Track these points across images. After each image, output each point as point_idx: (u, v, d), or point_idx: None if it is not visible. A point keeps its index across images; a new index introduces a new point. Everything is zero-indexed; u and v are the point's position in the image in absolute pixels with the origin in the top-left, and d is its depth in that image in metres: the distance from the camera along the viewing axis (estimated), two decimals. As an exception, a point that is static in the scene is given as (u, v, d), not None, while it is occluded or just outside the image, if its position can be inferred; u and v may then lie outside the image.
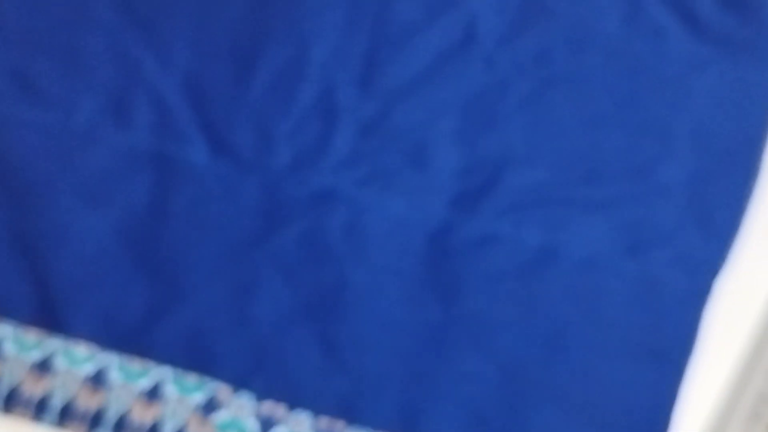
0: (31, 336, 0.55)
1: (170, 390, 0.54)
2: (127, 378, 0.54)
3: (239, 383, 0.54)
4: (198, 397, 0.54)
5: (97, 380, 0.54)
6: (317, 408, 0.54)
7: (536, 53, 0.59)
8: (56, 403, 0.54)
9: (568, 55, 0.59)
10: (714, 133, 0.58)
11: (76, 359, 0.54)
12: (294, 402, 0.54)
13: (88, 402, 0.54)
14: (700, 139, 0.58)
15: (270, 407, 0.54)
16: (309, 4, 0.60)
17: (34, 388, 0.54)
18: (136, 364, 0.54)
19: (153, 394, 0.54)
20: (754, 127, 0.58)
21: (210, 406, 0.53)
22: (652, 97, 0.58)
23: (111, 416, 0.54)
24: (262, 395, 0.54)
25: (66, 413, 0.54)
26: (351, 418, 0.54)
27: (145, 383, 0.54)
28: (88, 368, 0.54)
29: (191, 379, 0.54)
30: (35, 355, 0.55)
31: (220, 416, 0.53)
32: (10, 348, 0.55)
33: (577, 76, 0.59)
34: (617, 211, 0.56)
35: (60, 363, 0.54)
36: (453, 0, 0.60)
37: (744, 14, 0.59)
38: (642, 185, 0.57)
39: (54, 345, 0.55)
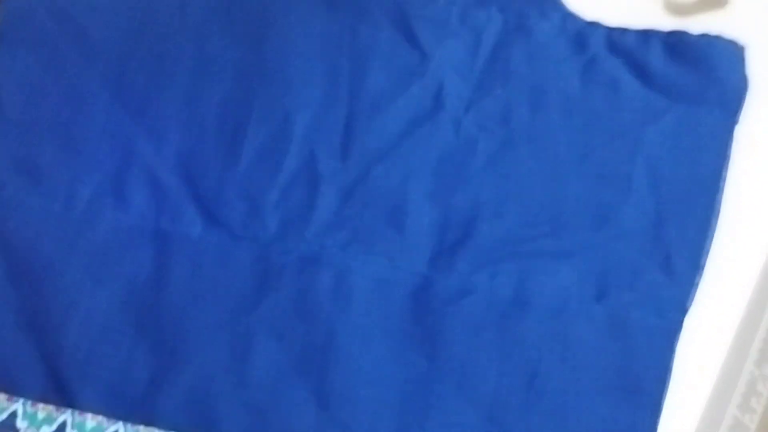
0: (42, 411, 0.58)
1: None
2: None
3: (240, 442, 0.57)
4: None
5: (107, 449, 0.57)
6: (314, 462, 0.57)
7: (499, 114, 0.63)
8: None
9: (529, 114, 0.63)
10: (671, 177, 0.61)
11: (85, 430, 0.57)
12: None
13: None
14: (658, 183, 0.61)
15: (270, 464, 0.57)
16: (289, 82, 0.64)
17: None
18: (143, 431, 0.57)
19: None
20: (710, 169, 0.61)
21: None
22: (610, 147, 0.62)
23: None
24: (262, 453, 0.57)
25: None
26: (348, 470, 0.56)
27: None
28: (98, 438, 0.57)
29: (195, 441, 0.57)
30: (46, 430, 0.58)
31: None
32: (22, 424, 0.58)
33: (538, 132, 0.63)
34: (582, 258, 0.60)
35: (71, 435, 0.57)
36: (421, 69, 0.64)
37: (692, 65, 0.63)
38: (605, 232, 0.60)
39: (63, 418, 0.58)
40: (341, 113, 0.63)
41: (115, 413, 0.58)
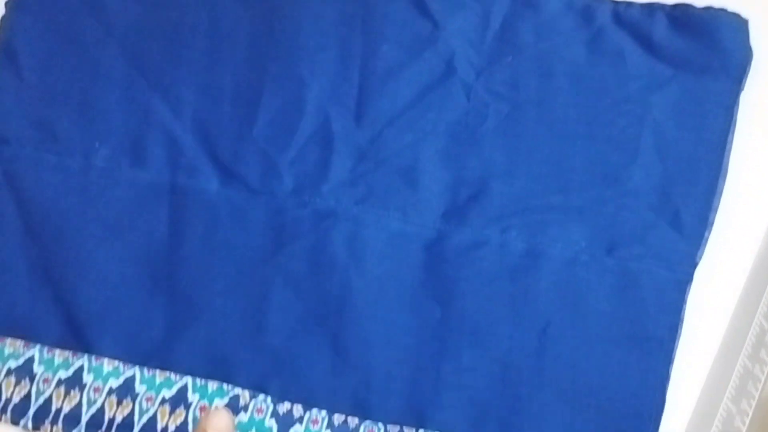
0: (59, 357, 0.58)
1: (192, 397, 0.57)
2: (151, 388, 0.57)
3: (257, 388, 0.57)
4: (219, 403, 0.57)
5: (123, 392, 0.57)
6: (331, 406, 0.57)
7: (509, 80, 0.65)
8: (84, 415, 0.57)
9: (538, 81, 0.64)
10: (678, 140, 0.62)
11: (102, 374, 0.58)
12: (309, 402, 0.57)
13: (113, 413, 0.57)
14: (665, 145, 0.62)
15: (287, 408, 0.57)
16: (303, 49, 0.65)
17: (62, 403, 0.57)
18: (159, 376, 0.58)
19: (176, 402, 0.57)
20: (716, 132, 0.62)
21: (231, 410, 0.56)
22: (617, 112, 0.63)
23: (136, 424, 0.56)
24: (279, 397, 0.57)
25: (92, 424, 0.57)
26: (363, 414, 0.57)
27: (168, 393, 0.57)
28: (113, 383, 0.58)
29: (212, 386, 0.57)
30: (63, 374, 0.58)
31: (241, 418, 0.56)
32: (38, 369, 0.58)
33: (547, 98, 0.64)
34: (593, 213, 0.61)
35: (87, 378, 0.58)
36: (433, 38, 0.66)
37: (696, 37, 0.64)
38: (614, 190, 0.61)
39: (80, 363, 0.58)
40: (355, 78, 0.65)
41: (132, 360, 0.58)
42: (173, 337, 0.58)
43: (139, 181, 0.63)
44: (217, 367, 0.58)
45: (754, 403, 0.57)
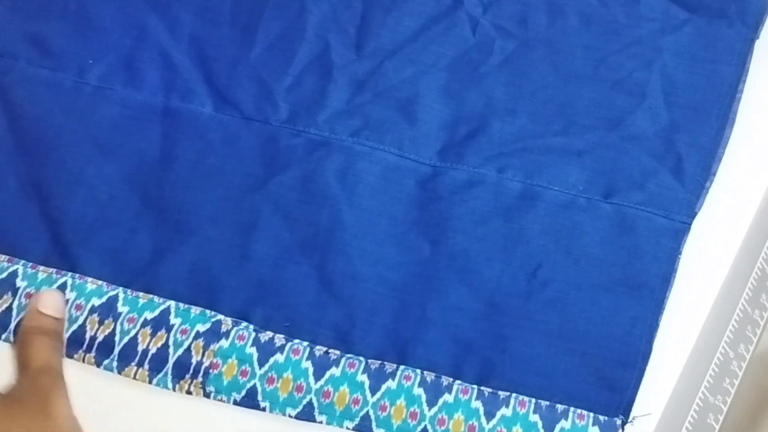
0: (42, 273, 0.58)
1: (174, 321, 0.57)
2: (134, 310, 0.57)
3: (240, 316, 0.57)
4: (200, 328, 0.56)
5: (105, 312, 0.57)
6: (314, 338, 0.56)
7: (518, 17, 0.64)
8: (65, 332, 0.56)
9: (547, 19, 0.63)
10: (687, 85, 0.61)
11: (85, 292, 0.57)
12: (291, 333, 0.57)
13: (95, 331, 0.56)
14: (673, 90, 0.61)
15: (268, 336, 0.56)
16: None
17: None
18: (142, 298, 0.57)
19: (158, 324, 0.57)
20: (727, 79, 0.61)
21: (212, 336, 0.56)
22: (626, 54, 0.62)
23: (117, 344, 0.56)
24: (261, 326, 0.57)
25: (73, 341, 0.56)
26: (346, 348, 0.56)
27: (150, 315, 0.57)
28: (95, 301, 0.57)
29: (194, 311, 0.57)
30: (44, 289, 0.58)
31: (222, 344, 0.56)
32: (21, 283, 0.58)
33: (555, 37, 0.63)
34: (592, 157, 0.60)
35: (69, 295, 0.57)
36: None
37: None
38: (616, 134, 0.60)
39: (63, 280, 0.58)
40: (358, 6, 0.64)
41: (116, 280, 0.57)
42: (159, 259, 0.58)
43: (132, 102, 0.62)
44: (201, 292, 0.57)
45: (752, 348, 0.57)
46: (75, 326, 0.56)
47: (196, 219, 0.59)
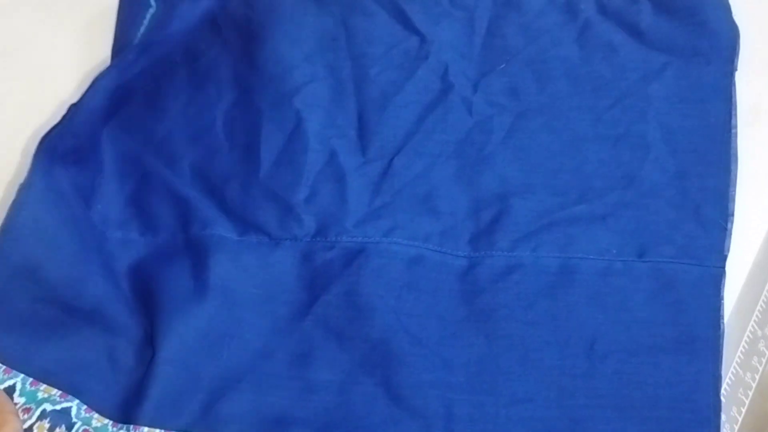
0: (96, 421, 0.54)
1: None
2: None
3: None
4: None
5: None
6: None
7: (507, 89, 0.64)
8: None
9: (536, 85, 0.64)
10: (683, 129, 0.62)
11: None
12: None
13: None
14: (673, 139, 0.62)
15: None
16: (293, 82, 0.63)
17: None
18: None
19: None
20: (719, 117, 0.63)
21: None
22: (620, 108, 0.63)
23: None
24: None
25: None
26: (427, 459, 0.55)
27: None
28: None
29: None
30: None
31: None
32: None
33: (548, 102, 0.64)
34: (617, 218, 0.60)
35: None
36: (423, 53, 0.65)
37: (681, 19, 0.65)
38: (632, 190, 0.61)
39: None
40: (352, 107, 0.63)
41: (173, 425, 0.55)
42: (217, 401, 0.55)
43: (151, 246, 0.60)
44: (270, 429, 0.55)
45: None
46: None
47: (247, 359, 0.57)
